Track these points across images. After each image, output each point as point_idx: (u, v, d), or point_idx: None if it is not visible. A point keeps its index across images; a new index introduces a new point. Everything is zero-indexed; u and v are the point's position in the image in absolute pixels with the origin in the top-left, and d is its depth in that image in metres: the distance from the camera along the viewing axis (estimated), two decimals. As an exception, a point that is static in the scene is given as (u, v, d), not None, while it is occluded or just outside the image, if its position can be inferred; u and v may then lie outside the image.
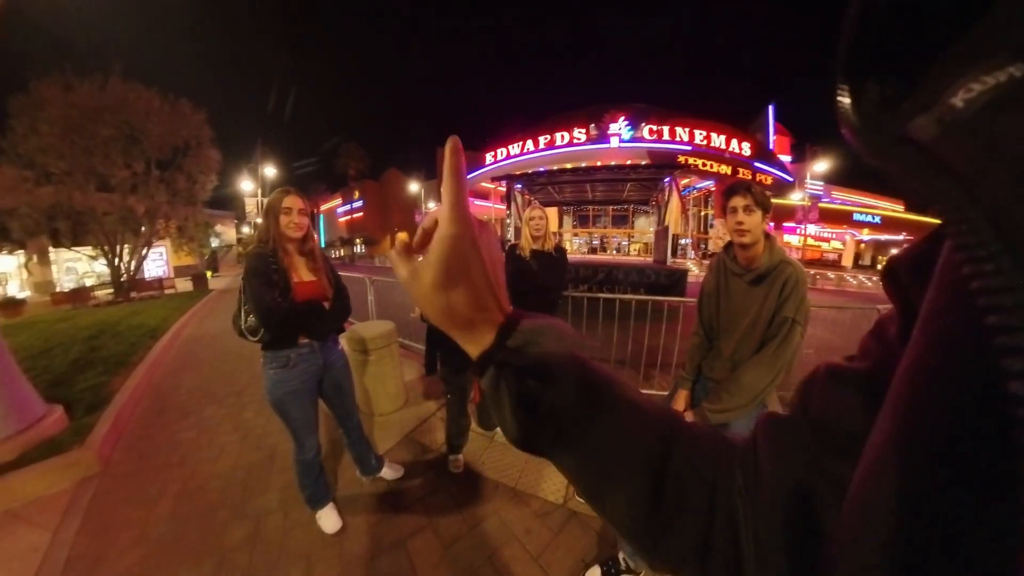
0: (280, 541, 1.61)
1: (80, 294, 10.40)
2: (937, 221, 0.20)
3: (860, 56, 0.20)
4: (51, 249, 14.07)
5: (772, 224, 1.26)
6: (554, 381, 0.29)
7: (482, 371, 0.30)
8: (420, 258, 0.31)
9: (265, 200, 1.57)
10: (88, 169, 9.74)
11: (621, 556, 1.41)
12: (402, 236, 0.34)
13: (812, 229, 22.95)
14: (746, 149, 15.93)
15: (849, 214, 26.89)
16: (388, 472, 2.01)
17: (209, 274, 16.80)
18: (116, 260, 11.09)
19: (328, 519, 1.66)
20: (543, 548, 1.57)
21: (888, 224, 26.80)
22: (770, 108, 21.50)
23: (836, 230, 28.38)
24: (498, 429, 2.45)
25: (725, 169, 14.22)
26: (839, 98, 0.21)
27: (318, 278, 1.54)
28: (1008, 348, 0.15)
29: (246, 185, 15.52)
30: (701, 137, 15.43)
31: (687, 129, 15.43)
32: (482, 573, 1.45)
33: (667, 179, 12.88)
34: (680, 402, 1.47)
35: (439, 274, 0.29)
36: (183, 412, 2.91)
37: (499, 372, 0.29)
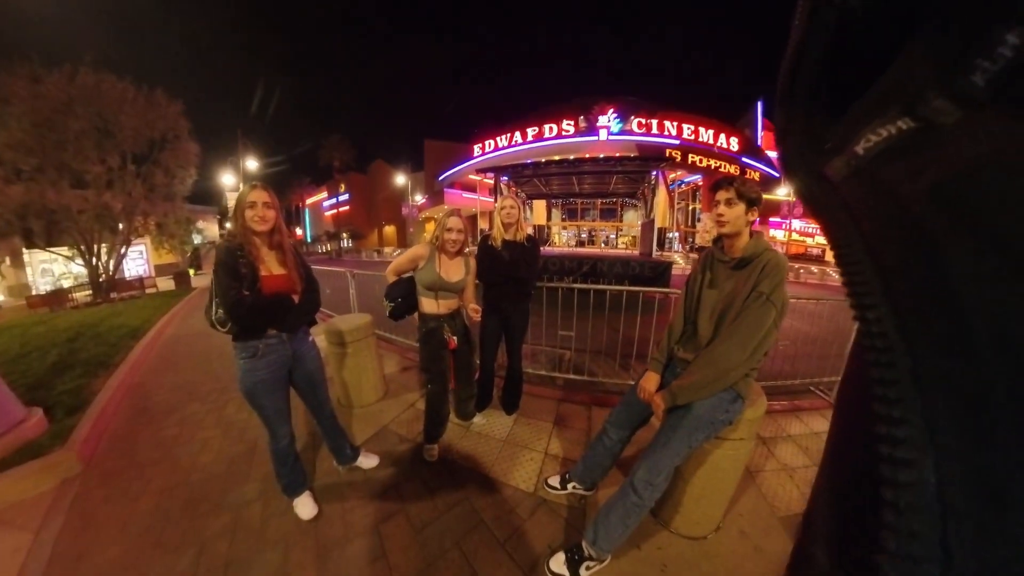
0: (258, 529, 1.68)
1: (57, 296, 10.14)
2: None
3: (794, 91, 0.22)
4: (24, 250, 13.63)
5: (758, 220, 1.35)
6: None
7: None
8: None
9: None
10: (60, 165, 9.38)
11: (584, 544, 1.45)
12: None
13: (797, 224, 23.41)
14: (734, 144, 16.09)
15: (833, 209, 27.37)
16: (364, 461, 2.08)
17: (192, 272, 16.48)
18: (94, 260, 10.77)
19: (304, 506, 1.73)
20: (511, 534, 1.64)
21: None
22: (759, 104, 21.69)
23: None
24: (474, 419, 2.55)
25: (713, 164, 14.37)
26: (777, 130, 0.24)
27: (287, 271, 1.58)
28: (881, 416, 0.19)
29: (227, 179, 15.14)
30: (690, 131, 15.52)
31: (676, 123, 15.50)
32: (450, 556, 1.53)
33: (655, 173, 12.99)
34: (651, 383, 1.53)
35: None
36: (166, 410, 2.93)
37: None
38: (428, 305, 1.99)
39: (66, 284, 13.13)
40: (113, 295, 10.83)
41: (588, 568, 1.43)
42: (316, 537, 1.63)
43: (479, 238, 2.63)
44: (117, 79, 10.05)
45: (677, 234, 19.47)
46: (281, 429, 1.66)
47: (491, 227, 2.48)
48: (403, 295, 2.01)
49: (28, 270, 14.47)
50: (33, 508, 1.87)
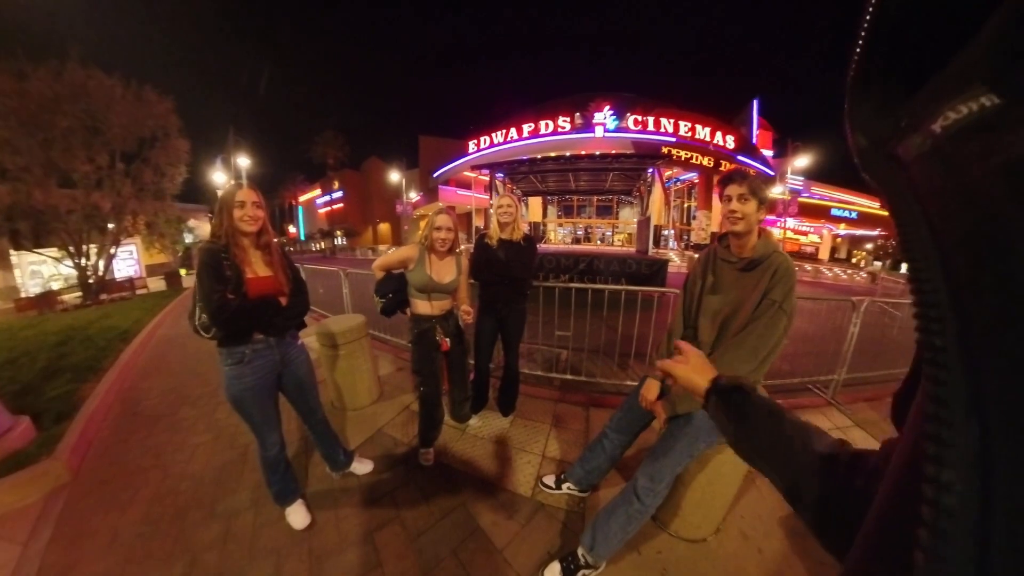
0: (250, 539, 1.64)
1: (46, 299, 9.93)
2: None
3: (870, 64, 0.21)
4: (12, 252, 13.36)
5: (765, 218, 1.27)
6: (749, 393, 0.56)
7: (706, 401, 0.62)
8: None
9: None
10: (47, 164, 9.19)
11: (580, 552, 1.43)
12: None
13: (791, 223, 23.56)
14: (730, 142, 16.11)
15: (827, 209, 27.81)
16: (358, 467, 2.04)
17: (183, 272, 16.27)
18: (83, 261, 10.60)
19: (296, 515, 1.70)
20: (509, 540, 1.61)
21: (864, 220, 27.75)
22: (754, 103, 21.69)
23: (814, 224, 29.27)
24: (470, 421, 2.52)
25: (708, 162, 14.36)
26: (850, 120, 0.22)
27: (274, 273, 1.53)
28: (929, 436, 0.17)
29: (218, 177, 14.91)
30: (686, 129, 15.51)
31: (672, 120, 15.47)
32: (446, 565, 1.49)
33: (651, 170, 12.96)
34: (651, 391, 1.46)
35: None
36: (156, 415, 2.88)
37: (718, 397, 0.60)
38: (420, 306, 1.95)
39: (55, 286, 12.94)
40: (103, 296, 10.67)
41: None
42: (309, 547, 1.59)
43: (475, 236, 2.59)
44: (105, 75, 9.84)
45: (673, 232, 19.52)
46: (270, 437, 1.61)
47: (486, 225, 2.44)
48: (393, 290, 1.97)
49: (16, 272, 14.21)
50: (21, 519, 1.82)
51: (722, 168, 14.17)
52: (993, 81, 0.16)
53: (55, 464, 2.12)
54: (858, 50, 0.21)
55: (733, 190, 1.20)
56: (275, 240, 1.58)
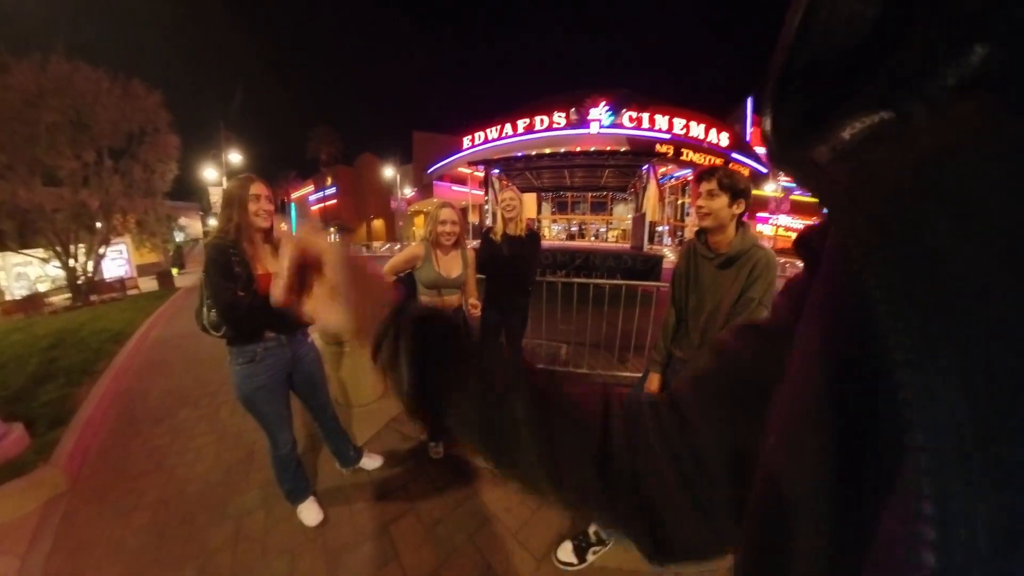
0: (262, 538, 1.63)
1: (34, 301, 9.70)
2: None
3: (781, 94, 0.25)
4: (-4, 253, 13.08)
5: (746, 213, 1.27)
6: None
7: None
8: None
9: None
10: (32, 161, 8.94)
11: (591, 530, 1.50)
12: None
13: (784, 220, 23.78)
14: (724, 140, 16.17)
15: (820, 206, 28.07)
16: (368, 462, 2.04)
17: (175, 271, 16.02)
18: (71, 261, 10.37)
19: (309, 512, 1.69)
20: (521, 525, 1.66)
21: (857, 217, 28.12)
22: (748, 100, 21.78)
23: (806, 221, 29.62)
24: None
25: (703, 159, 14.43)
26: (765, 126, 0.27)
27: None
28: (889, 329, 0.18)
29: (210, 173, 14.64)
30: (681, 126, 15.52)
31: (667, 117, 15.47)
32: (463, 551, 1.53)
33: (646, 167, 13.01)
34: (653, 384, 1.51)
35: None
36: (155, 418, 2.83)
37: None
38: (429, 303, 1.95)
39: (43, 288, 12.65)
40: (93, 298, 10.43)
41: (595, 552, 1.47)
42: (324, 543, 1.59)
43: (471, 232, 2.59)
44: (91, 68, 9.58)
45: (667, 228, 19.64)
46: (283, 436, 1.60)
47: (481, 221, 2.46)
48: (406, 296, 1.96)
49: (1, 274, 13.87)
50: (18, 531, 1.76)
51: (714, 165, 14.27)
52: (890, 102, 0.20)
53: (52, 472, 2.06)
54: (773, 74, 0.26)
55: (703, 186, 1.23)
56: (282, 233, 1.56)
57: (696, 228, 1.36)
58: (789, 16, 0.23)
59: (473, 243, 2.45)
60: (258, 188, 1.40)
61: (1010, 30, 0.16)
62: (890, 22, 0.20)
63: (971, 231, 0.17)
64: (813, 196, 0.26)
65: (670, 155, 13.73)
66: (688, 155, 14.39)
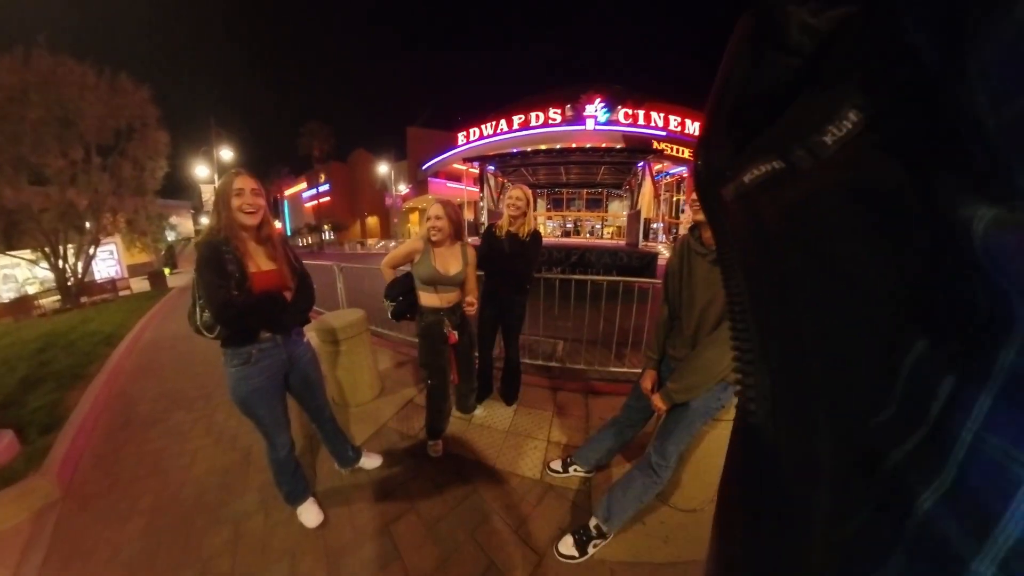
0: (262, 541, 1.61)
1: (22, 304, 9.47)
2: None
3: (708, 138, 0.30)
4: (-18, 254, 12.81)
5: None
6: None
7: None
8: None
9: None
10: (17, 160, 8.72)
11: (592, 524, 1.51)
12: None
13: None
14: None
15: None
16: (367, 462, 2.03)
17: (167, 271, 15.82)
18: (60, 263, 10.18)
19: (309, 514, 1.68)
20: (522, 521, 1.67)
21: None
22: None
23: None
24: (476, 411, 2.53)
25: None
26: (696, 162, 0.32)
27: (278, 266, 1.45)
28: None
29: (201, 171, 14.36)
30: (676, 123, 15.54)
31: (662, 114, 15.48)
32: (465, 548, 1.53)
33: (641, 164, 13.01)
34: (647, 381, 1.53)
35: None
36: (149, 421, 2.79)
37: None
38: (427, 299, 1.94)
39: (31, 290, 12.39)
40: (84, 299, 10.25)
41: (595, 546, 1.49)
42: (325, 544, 1.58)
43: (474, 229, 2.58)
44: (76, 62, 9.32)
45: (662, 225, 19.69)
46: (280, 438, 1.58)
47: (476, 218, 2.45)
48: (403, 292, 1.95)
49: (-13, 276, 13.62)
50: (10, 541, 1.71)
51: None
52: (783, 152, 0.23)
53: (43, 480, 2.01)
54: (705, 120, 0.30)
55: None
56: (277, 231, 1.52)
57: (691, 224, 1.36)
58: (718, 71, 0.28)
59: (474, 240, 2.44)
60: (242, 182, 1.35)
61: (870, 92, 0.20)
62: (792, 83, 0.24)
63: (815, 267, 0.23)
64: (712, 227, 0.34)
65: (666, 151, 13.76)
66: (684, 152, 14.43)
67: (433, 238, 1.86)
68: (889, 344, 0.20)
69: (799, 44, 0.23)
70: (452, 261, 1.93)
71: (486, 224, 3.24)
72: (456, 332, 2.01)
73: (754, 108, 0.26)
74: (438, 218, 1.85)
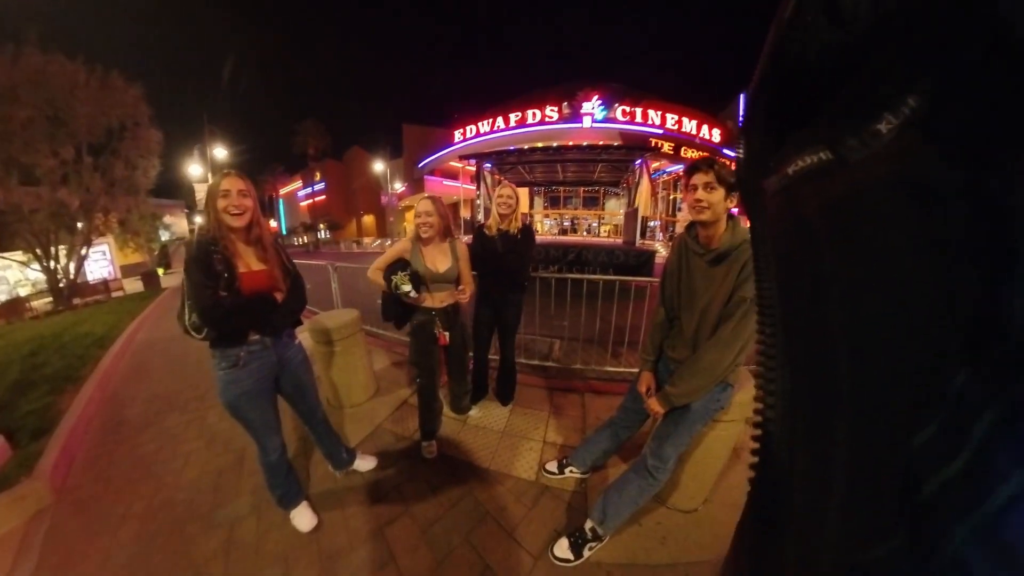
0: (255, 546, 1.60)
1: (14, 306, 9.37)
2: None
3: (751, 127, 0.30)
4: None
5: (737, 209, 1.24)
6: None
7: None
8: None
9: None
10: (7, 159, 8.60)
11: (587, 526, 1.50)
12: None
13: None
14: (716, 136, 16.21)
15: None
16: (361, 464, 2.02)
17: (161, 271, 15.71)
18: (52, 264, 10.07)
19: (302, 517, 1.66)
20: (518, 523, 1.66)
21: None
22: (741, 97, 21.81)
23: None
24: (471, 412, 2.52)
25: (695, 154, 14.43)
26: (737, 151, 0.31)
27: (268, 267, 1.44)
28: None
29: (194, 169, 14.21)
30: (673, 121, 15.49)
31: (659, 112, 15.42)
32: (460, 551, 1.52)
33: (638, 162, 12.99)
34: (644, 383, 1.52)
35: None
36: (142, 424, 2.77)
37: None
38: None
39: (23, 292, 12.27)
40: (76, 301, 10.17)
41: (591, 549, 1.48)
42: (319, 548, 1.57)
43: (464, 227, 2.57)
44: (66, 60, 9.18)
45: (659, 223, 19.71)
46: (271, 442, 1.56)
47: (473, 216, 2.45)
48: (396, 300, 1.93)
49: (-22, 277, 13.46)
50: (2, 547, 1.70)
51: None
52: (831, 142, 0.22)
53: (35, 485, 1.98)
54: (748, 107, 0.29)
55: (699, 179, 1.17)
56: (269, 231, 1.50)
57: (687, 223, 1.33)
58: (765, 45, 0.26)
59: (466, 238, 2.42)
60: (229, 183, 1.33)
61: (934, 81, 0.18)
62: (845, 65, 0.22)
63: (858, 266, 0.22)
64: (750, 220, 0.32)
65: (663, 150, 13.74)
66: (682, 150, 14.41)
67: (423, 235, 1.85)
68: (935, 358, 0.18)
69: (854, 11, 0.20)
70: (440, 258, 1.91)
71: (480, 222, 3.22)
72: (447, 334, 2.00)
73: (798, 95, 0.24)
74: (428, 214, 1.83)
